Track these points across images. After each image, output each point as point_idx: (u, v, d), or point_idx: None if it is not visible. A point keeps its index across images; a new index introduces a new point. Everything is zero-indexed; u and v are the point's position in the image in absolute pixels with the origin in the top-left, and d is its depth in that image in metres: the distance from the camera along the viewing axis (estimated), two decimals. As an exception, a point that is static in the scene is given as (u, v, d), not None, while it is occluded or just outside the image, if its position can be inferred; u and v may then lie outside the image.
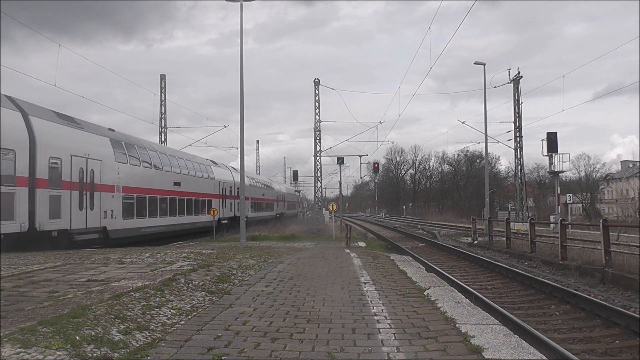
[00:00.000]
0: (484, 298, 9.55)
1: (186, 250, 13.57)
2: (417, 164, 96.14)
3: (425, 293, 7.48)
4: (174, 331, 5.21)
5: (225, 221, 32.03)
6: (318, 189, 40.36)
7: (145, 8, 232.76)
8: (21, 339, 4.11)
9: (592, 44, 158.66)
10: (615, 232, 19.16)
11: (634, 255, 11.59)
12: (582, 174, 70.69)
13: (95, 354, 4.12)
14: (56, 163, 15.62)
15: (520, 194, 35.80)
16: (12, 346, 3.93)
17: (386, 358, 4.30)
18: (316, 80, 36.51)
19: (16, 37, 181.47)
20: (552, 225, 25.25)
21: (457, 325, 5.34)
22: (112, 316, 5.19)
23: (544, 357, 4.36)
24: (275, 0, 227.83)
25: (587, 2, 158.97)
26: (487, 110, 29.02)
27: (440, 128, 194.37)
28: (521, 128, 34.28)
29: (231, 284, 8.39)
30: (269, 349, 4.56)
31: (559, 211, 28.66)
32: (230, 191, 34.62)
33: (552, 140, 28.61)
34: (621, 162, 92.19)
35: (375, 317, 5.83)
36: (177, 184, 25.12)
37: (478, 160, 79.08)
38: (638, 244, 12.31)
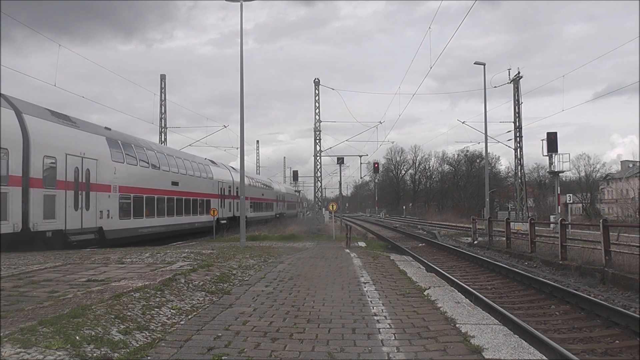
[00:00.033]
0: (484, 298, 9.55)
1: (186, 250, 13.57)
2: (417, 164, 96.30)
3: (425, 293, 7.48)
4: (174, 331, 5.21)
5: (224, 221, 31.92)
6: (318, 189, 40.37)
7: (145, 8, 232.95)
8: (21, 339, 4.11)
9: (592, 44, 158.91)
10: (615, 232, 19.16)
11: (634, 255, 11.59)
12: (582, 174, 70.80)
13: (95, 354, 4.12)
14: (51, 162, 15.42)
15: (520, 194, 35.80)
16: (12, 346, 3.93)
17: (386, 358, 4.30)
18: (316, 80, 36.54)
19: (16, 37, 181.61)
20: (552, 225, 25.25)
21: (457, 325, 5.34)
22: (112, 316, 5.19)
23: (544, 357, 4.36)
24: (275, 0, 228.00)
25: (587, 2, 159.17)
26: (487, 110, 29.06)
27: (440, 128, 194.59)
28: (521, 128, 34.29)
29: (231, 284, 8.39)
30: (269, 349, 4.56)
31: (559, 211, 28.66)
32: (229, 191, 34.49)
33: (552, 140, 28.61)
34: (621, 162, 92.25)
35: (375, 317, 5.83)
36: (175, 183, 24.97)
37: (478, 160, 79.10)
38: (638, 244, 12.31)
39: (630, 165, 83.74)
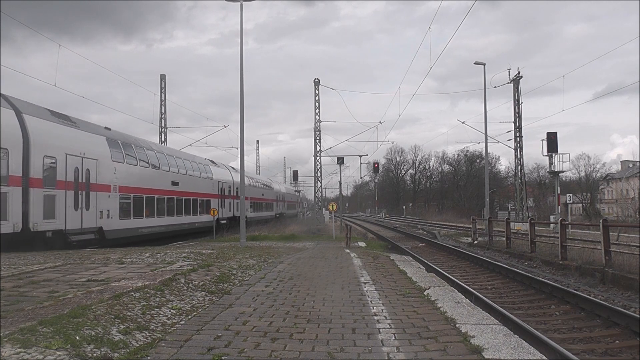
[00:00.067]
0: (484, 298, 9.55)
1: (186, 250, 13.57)
2: (417, 164, 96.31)
3: (425, 293, 7.48)
4: (174, 331, 5.21)
5: (224, 221, 31.85)
6: (318, 189, 40.37)
7: (145, 8, 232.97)
8: (21, 339, 4.11)
9: (592, 44, 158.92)
10: (615, 232, 19.16)
11: (634, 255, 11.59)
12: (582, 174, 70.81)
13: (95, 354, 4.12)
14: (51, 162, 15.39)
15: (520, 194, 35.81)
16: (12, 346, 3.93)
17: (386, 358, 4.30)
18: (316, 80, 36.54)
19: (16, 37, 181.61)
20: (552, 225, 25.25)
21: (457, 325, 5.34)
22: (112, 316, 5.19)
23: (544, 357, 4.36)
24: (275, 0, 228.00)
25: (587, 2, 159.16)
26: (487, 110, 29.06)
27: (440, 128, 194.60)
28: (521, 128, 34.29)
29: (231, 284, 8.39)
30: (269, 349, 4.56)
31: (559, 211, 28.67)
32: (229, 191, 34.43)
33: (552, 140, 28.61)
34: (621, 162, 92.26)
35: (375, 317, 5.83)
36: (175, 183, 24.92)
37: (478, 160, 79.11)
38: (638, 244, 12.31)
39: (630, 165, 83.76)
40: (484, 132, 28.59)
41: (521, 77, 33.19)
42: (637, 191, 60.98)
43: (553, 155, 28.77)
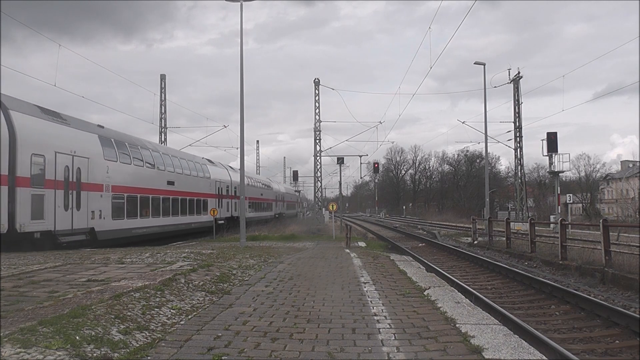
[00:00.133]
0: (484, 298, 9.55)
1: (186, 250, 13.57)
2: (417, 164, 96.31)
3: (425, 293, 7.48)
4: (174, 331, 5.21)
5: (222, 221, 31.44)
6: (318, 189, 40.38)
7: (145, 8, 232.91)
8: (21, 339, 4.11)
9: (592, 44, 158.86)
10: (615, 232, 19.16)
11: (634, 255, 11.59)
12: (582, 174, 70.82)
13: (95, 354, 4.12)
14: (39, 161, 14.87)
15: (520, 194, 35.81)
16: (12, 346, 3.92)
17: (386, 358, 4.30)
18: (316, 80, 36.55)
19: (16, 37, 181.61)
20: (552, 225, 25.25)
21: (457, 325, 5.34)
22: (112, 316, 5.19)
23: (544, 357, 4.36)
24: (275, 0, 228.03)
25: (587, 2, 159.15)
26: (487, 110, 29.07)
27: (440, 128, 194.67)
28: (521, 128, 34.29)
29: (231, 284, 8.39)
30: (269, 349, 4.57)
31: (559, 211, 28.67)
32: (227, 191, 34.14)
33: (552, 140, 28.62)
34: (621, 162, 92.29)
35: (375, 317, 5.83)
36: (170, 183, 24.48)
37: (478, 160, 79.12)
38: (638, 244, 12.31)
39: (630, 165, 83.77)
40: (484, 132, 28.63)
41: (521, 77, 33.22)
42: (637, 191, 61.00)
43: (553, 155, 28.77)
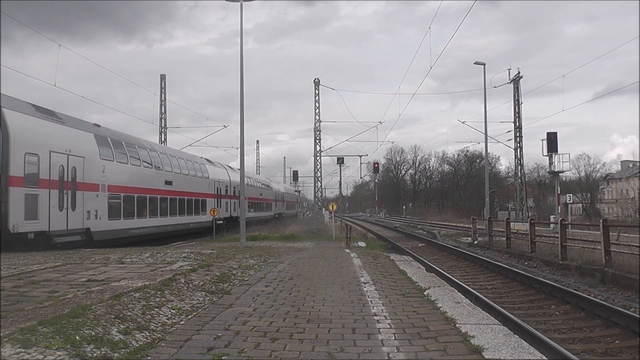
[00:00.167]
0: (484, 298, 9.55)
1: (186, 250, 13.57)
2: (417, 164, 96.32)
3: (425, 293, 7.48)
4: (174, 331, 5.21)
5: (221, 222, 31.17)
6: (318, 189, 40.39)
7: (145, 8, 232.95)
8: (21, 339, 4.11)
9: (592, 44, 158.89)
10: (615, 232, 19.16)
11: (634, 255, 11.59)
12: (582, 174, 70.84)
13: (95, 354, 4.12)
14: (33, 160, 14.59)
15: (520, 194, 35.81)
16: (12, 346, 3.92)
17: (386, 358, 4.30)
18: (316, 80, 36.56)
19: (16, 37, 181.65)
20: (552, 225, 25.26)
21: (457, 325, 5.34)
22: (112, 316, 5.19)
23: (544, 357, 4.36)
24: (275, 0, 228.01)
25: (587, 2, 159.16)
26: (487, 110, 29.07)
27: (440, 128, 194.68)
28: (521, 128, 34.30)
29: (231, 284, 8.39)
30: (269, 349, 4.56)
31: (559, 211, 28.67)
32: (226, 191, 33.90)
33: (552, 140, 28.63)
34: (621, 162, 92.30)
35: (375, 317, 5.83)
36: (168, 182, 24.26)
37: (478, 160, 79.12)
38: (638, 244, 12.31)
39: (630, 165, 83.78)
40: (484, 132, 28.63)
41: (521, 77, 33.23)
42: (637, 191, 61.00)
43: (553, 155, 28.78)
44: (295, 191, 78.08)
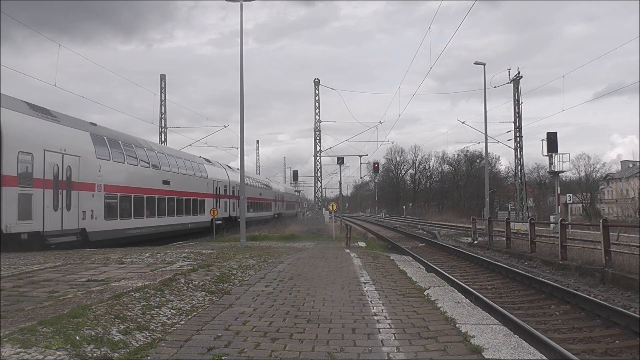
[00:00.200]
0: (484, 298, 9.55)
1: (186, 250, 13.57)
2: (417, 164, 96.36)
3: (425, 293, 7.48)
4: (174, 331, 5.21)
5: (219, 222, 30.93)
6: (318, 189, 40.39)
7: (145, 8, 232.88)
8: (21, 339, 4.11)
9: (592, 44, 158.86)
10: (615, 232, 19.16)
11: (634, 255, 11.59)
12: (582, 174, 70.86)
13: (95, 354, 4.12)
14: (27, 159, 14.36)
15: (520, 194, 35.81)
16: (12, 346, 3.92)
17: (386, 358, 4.30)
18: (316, 80, 36.57)
19: (16, 37, 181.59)
20: (552, 225, 25.26)
21: (457, 325, 5.34)
22: (112, 316, 5.19)
23: (544, 357, 4.36)
24: (275, 0, 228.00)
25: (587, 2, 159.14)
26: (487, 110, 29.07)
27: (440, 128, 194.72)
28: (521, 128, 34.30)
29: (231, 284, 8.39)
30: (269, 349, 4.56)
31: (559, 211, 28.67)
32: (225, 190, 33.72)
33: (552, 140, 28.63)
34: (621, 162, 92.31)
35: (375, 317, 5.83)
36: (166, 182, 24.06)
37: (478, 160, 79.13)
38: (638, 244, 12.32)
39: (630, 165, 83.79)
40: (484, 132, 28.64)
41: (521, 77, 33.24)
42: (637, 191, 61.01)
43: (553, 155, 28.79)
44: (295, 191, 78.09)
